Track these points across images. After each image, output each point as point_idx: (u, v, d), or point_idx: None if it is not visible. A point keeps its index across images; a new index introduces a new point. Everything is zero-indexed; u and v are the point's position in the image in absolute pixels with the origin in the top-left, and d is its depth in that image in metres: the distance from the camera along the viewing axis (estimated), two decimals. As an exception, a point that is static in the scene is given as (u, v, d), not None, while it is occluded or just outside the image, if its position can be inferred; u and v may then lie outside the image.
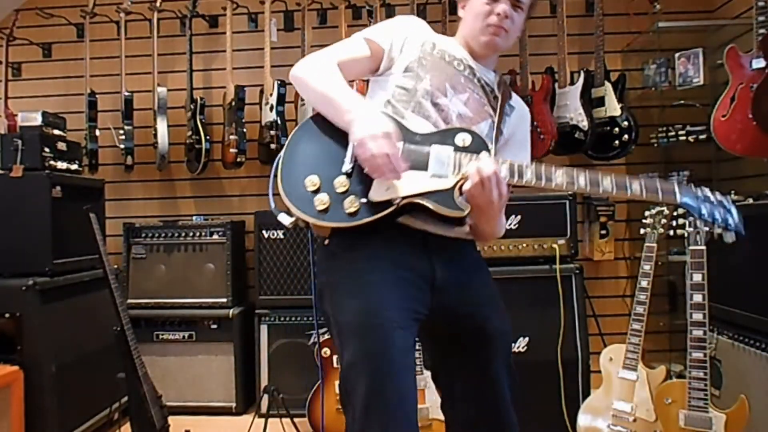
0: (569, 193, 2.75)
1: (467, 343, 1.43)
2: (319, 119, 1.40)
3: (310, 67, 1.42)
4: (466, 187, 1.28)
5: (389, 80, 1.45)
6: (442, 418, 2.11)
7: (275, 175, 1.35)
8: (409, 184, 1.30)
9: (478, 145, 1.35)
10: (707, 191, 1.32)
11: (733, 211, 1.31)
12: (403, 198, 1.29)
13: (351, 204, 1.29)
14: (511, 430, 1.45)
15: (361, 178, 1.31)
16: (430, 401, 2.35)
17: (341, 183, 1.31)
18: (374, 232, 1.33)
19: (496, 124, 1.46)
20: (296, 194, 1.31)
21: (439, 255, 1.38)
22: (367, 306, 1.30)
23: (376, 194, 1.29)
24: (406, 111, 1.41)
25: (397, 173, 1.27)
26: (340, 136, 1.35)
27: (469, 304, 1.42)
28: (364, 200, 1.29)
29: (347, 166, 1.32)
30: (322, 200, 1.30)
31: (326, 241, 1.41)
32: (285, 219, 1.32)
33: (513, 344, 2.56)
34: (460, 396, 1.47)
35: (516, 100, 1.58)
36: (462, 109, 1.43)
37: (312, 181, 1.31)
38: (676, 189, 1.29)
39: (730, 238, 1.32)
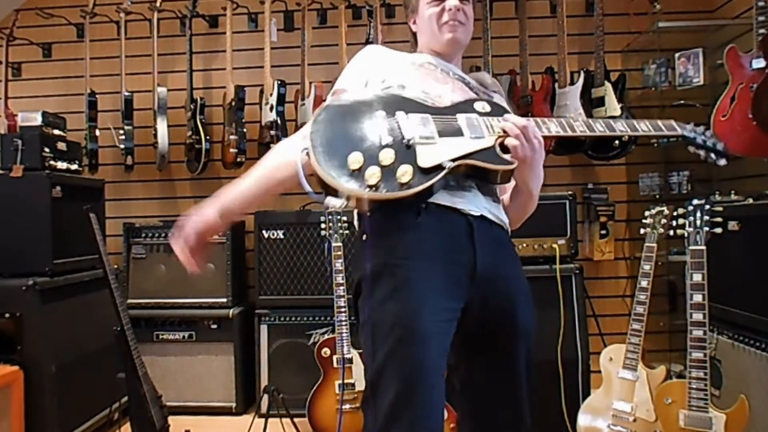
0: (569, 193, 2.75)
1: (495, 336, 1.41)
2: (335, 107, 1.34)
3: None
4: (510, 141, 1.30)
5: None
6: (444, 417, 2.12)
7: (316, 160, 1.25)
8: (454, 147, 1.28)
9: (497, 110, 1.39)
10: (693, 126, 1.55)
11: (718, 140, 1.55)
12: (453, 159, 1.25)
13: (403, 174, 1.21)
14: (526, 424, 1.44)
15: (405, 149, 1.25)
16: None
17: (386, 156, 1.23)
18: (418, 218, 1.30)
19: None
20: (343, 173, 1.21)
21: (482, 243, 1.35)
22: (407, 307, 1.27)
23: (425, 161, 1.24)
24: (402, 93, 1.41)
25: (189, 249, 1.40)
26: (368, 116, 1.30)
27: (502, 296, 1.39)
28: (415, 168, 1.23)
29: (387, 140, 1.25)
30: (372, 174, 1.21)
31: (364, 236, 1.37)
32: (335, 201, 1.24)
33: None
34: (481, 387, 1.45)
35: (493, 82, 1.63)
36: (452, 96, 1.43)
37: (355, 158, 1.22)
38: (675, 124, 1.50)
39: (722, 161, 1.52)
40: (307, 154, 1.23)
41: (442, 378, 1.31)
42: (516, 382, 1.42)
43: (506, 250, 1.46)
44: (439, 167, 1.23)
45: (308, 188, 1.23)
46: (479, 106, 1.38)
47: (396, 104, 1.33)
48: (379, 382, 1.26)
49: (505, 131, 1.32)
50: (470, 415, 1.49)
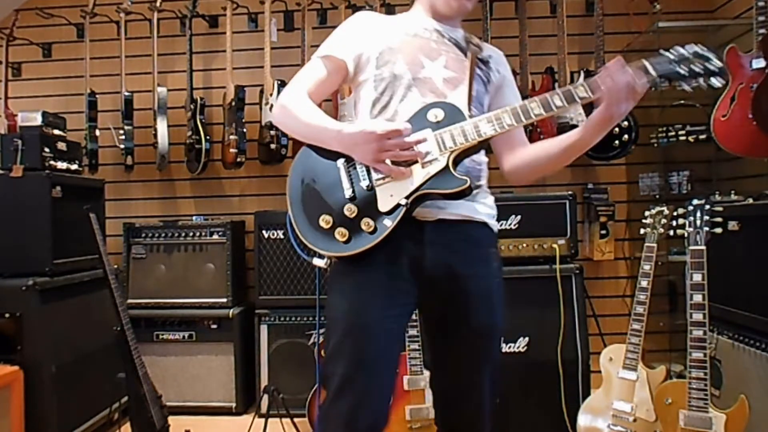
0: (569, 193, 2.75)
1: (451, 332, 1.46)
2: (302, 156, 1.45)
3: (284, 109, 1.47)
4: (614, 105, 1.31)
5: (367, 79, 1.48)
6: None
7: (292, 226, 1.41)
8: (409, 181, 1.34)
9: (451, 114, 1.38)
10: (678, 49, 1.35)
11: (710, 54, 1.33)
12: (408, 196, 1.33)
13: (368, 225, 1.34)
14: (483, 420, 1.48)
15: (365, 196, 1.36)
16: (431, 401, 2.35)
17: (350, 209, 1.36)
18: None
19: (472, 74, 1.48)
20: (317, 237, 1.37)
21: (433, 246, 1.39)
22: (352, 305, 1.39)
23: (384, 204, 1.34)
24: (394, 100, 1.44)
25: (413, 155, 1.32)
26: (328, 165, 1.40)
27: (455, 295, 1.43)
28: (376, 215, 1.34)
29: (348, 192, 1.37)
30: (341, 233, 1.35)
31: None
32: (320, 261, 1.42)
33: (513, 344, 2.58)
34: (441, 379, 1.54)
35: (488, 48, 1.60)
36: (445, 73, 1.46)
37: (325, 220, 1.36)
38: (647, 65, 1.35)
39: (718, 82, 1.35)
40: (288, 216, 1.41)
41: (390, 366, 1.44)
42: (473, 378, 1.46)
43: (469, 248, 1.45)
44: (397, 206, 1.34)
45: (300, 251, 1.38)
46: (432, 115, 1.39)
47: None
48: (329, 368, 1.41)
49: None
50: (436, 404, 1.57)
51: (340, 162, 1.39)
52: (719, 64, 1.33)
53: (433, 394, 1.59)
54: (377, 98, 1.46)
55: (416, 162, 1.35)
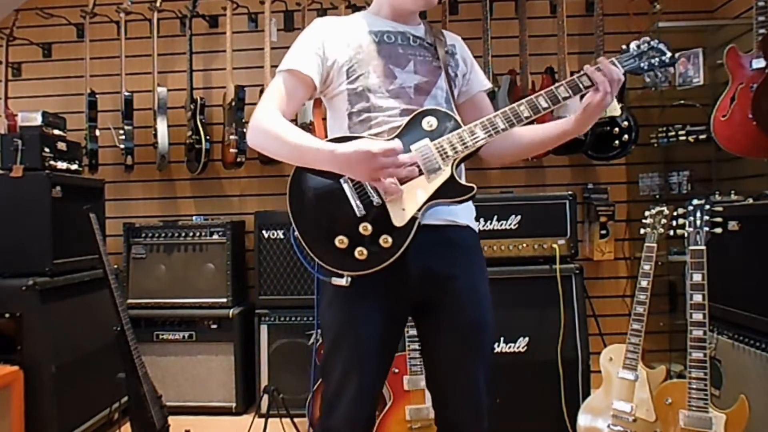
0: (569, 193, 2.75)
1: (442, 333, 1.48)
2: (298, 178, 1.42)
3: (260, 132, 1.43)
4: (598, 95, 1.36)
5: (340, 91, 1.48)
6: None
7: (301, 249, 1.40)
8: (418, 194, 1.36)
9: (444, 120, 1.41)
10: (635, 44, 1.44)
11: (662, 46, 1.44)
12: (419, 209, 1.36)
13: (386, 241, 1.35)
14: (482, 415, 1.49)
15: (378, 213, 1.36)
16: (430, 401, 2.35)
17: (364, 228, 1.36)
18: None
19: (446, 73, 1.52)
20: (336, 258, 1.37)
21: (416, 250, 1.39)
22: (343, 314, 1.45)
23: (398, 220, 1.36)
24: (372, 112, 1.45)
25: (409, 171, 1.33)
26: (330, 185, 1.39)
27: (444, 295, 1.45)
28: (392, 231, 1.36)
29: (360, 211, 1.37)
30: (360, 252, 1.35)
31: None
32: (340, 281, 1.38)
33: (513, 344, 2.59)
34: (435, 381, 1.55)
35: (448, 35, 1.62)
36: (415, 79, 1.48)
37: (341, 240, 1.36)
38: (617, 63, 1.41)
39: (672, 70, 1.47)
40: (296, 238, 1.40)
41: (382, 369, 1.50)
42: (467, 374, 1.48)
43: (452, 250, 1.47)
44: (412, 219, 1.36)
45: (314, 273, 1.43)
46: (426, 124, 1.41)
47: None
48: (326, 367, 1.49)
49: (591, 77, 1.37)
50: (435, 403, 1.58)
51: (343, 180, 1.38)
52: (669, 54, 1.44)
53: (431, 395, 1.60)
54: (353, 111, 1.46)
55: (421, 175, 1.36)
